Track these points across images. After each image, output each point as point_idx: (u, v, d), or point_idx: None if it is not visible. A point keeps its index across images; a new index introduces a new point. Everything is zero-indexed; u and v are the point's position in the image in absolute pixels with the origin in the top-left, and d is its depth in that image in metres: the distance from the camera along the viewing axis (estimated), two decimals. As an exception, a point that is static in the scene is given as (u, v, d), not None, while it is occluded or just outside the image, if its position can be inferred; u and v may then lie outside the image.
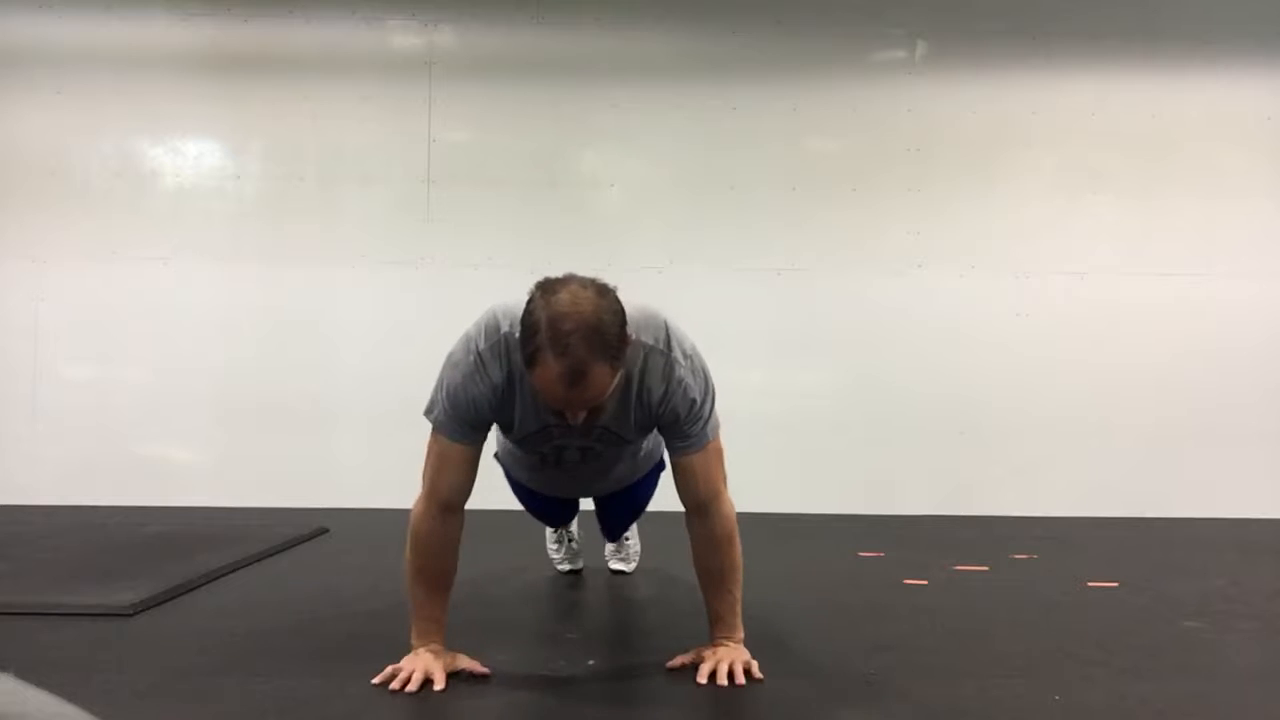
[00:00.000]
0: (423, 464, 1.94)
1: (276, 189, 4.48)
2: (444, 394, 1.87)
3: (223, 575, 2.79)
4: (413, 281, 4.45)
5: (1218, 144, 4.56)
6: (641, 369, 1.81)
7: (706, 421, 1.91)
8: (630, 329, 1.70)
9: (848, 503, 4.37)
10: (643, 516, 3.09)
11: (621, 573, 2.94)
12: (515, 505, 4.09)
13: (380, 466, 4.38)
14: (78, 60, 4.44)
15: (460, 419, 1.87)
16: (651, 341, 1.81)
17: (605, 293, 1.68)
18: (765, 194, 4.49)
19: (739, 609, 1.95)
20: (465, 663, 1.87)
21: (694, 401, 1.86)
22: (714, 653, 1.91)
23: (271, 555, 3.13)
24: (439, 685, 1.79)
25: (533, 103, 4.47)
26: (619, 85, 4.48)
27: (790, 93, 4.51)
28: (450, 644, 1.89)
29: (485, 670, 1.86)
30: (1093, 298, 4.52)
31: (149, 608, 2.36)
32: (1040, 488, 4.46)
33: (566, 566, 2.94)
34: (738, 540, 1.96)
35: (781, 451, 4.42)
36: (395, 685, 1.78)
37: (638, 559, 3.00)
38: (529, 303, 1.69)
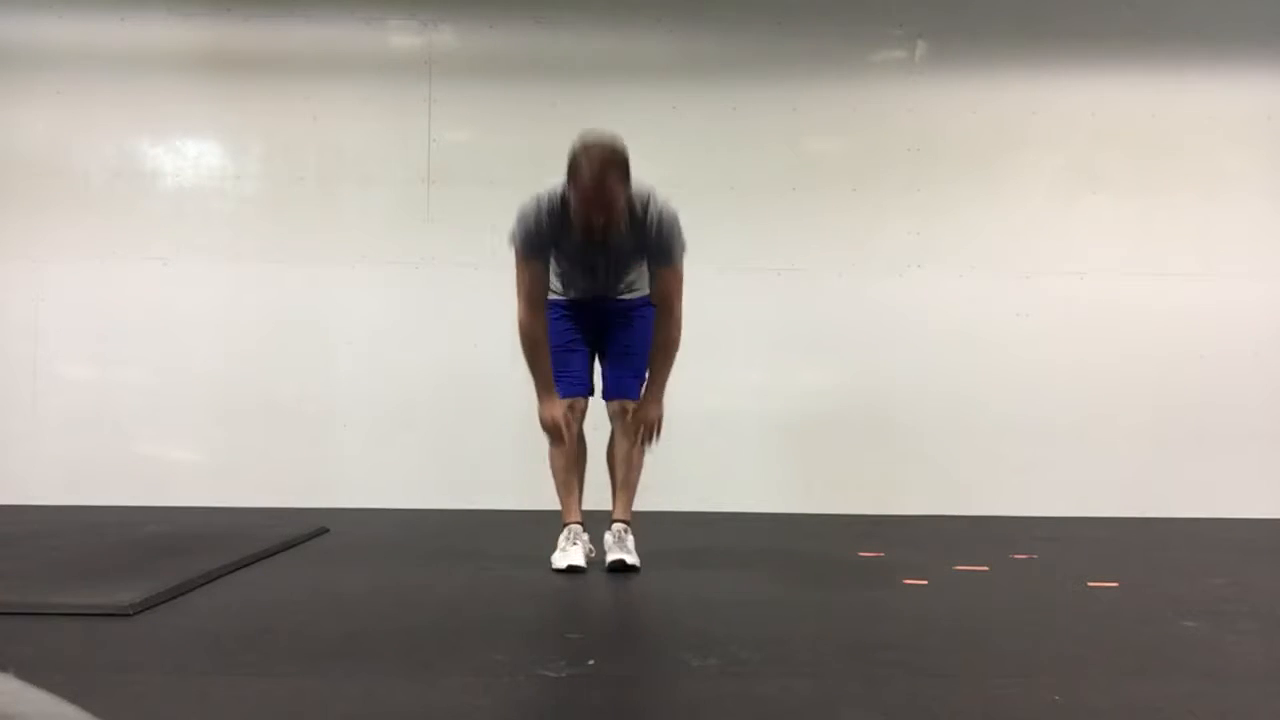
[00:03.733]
0: (515, 288, 2.84)
1: (276, 189, 4.48)
2: (519, 228, 2.79)
3: (223, 575, 2.78)
4: (413, 281, 4.46)
5: (1218, 144, 4.56)
6: (641, 201, 2.79)
7: (677, 249, 2.82)
8: (632, 186, 2.73)
9: (848, 503, 4.37)
10: (641, 517, 3.11)
11: (622, 563, 2.88)
12: (515, 505, 4.11)
13: (380, 466, 4.39)
14: (78, 60, 4.44)
15: (531, 239, 2.78)
16: (644, 191, 2.81)
17: (618, 141, 2.67)
18: (765, 194, 4.49)
19: (666, 382, 2.91)
20: (565, 414, 2.90)
21: (670, 222, 2.79)
22: (640, 417, 2.89)
23: (271, 555, 3.13)
24: (564, 418, 2.88)
25: (533, 103, 4.48)
26: (619, 85, 4.48)
27: (790, 93, 4.51)
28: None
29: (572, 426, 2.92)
30: (1093, 298, 4.52)
31: (149, 608, 2.36)
32: (1040, 488, 4.46)
33: (568, 561, 2.89)
34: (680, 336, 2.89)
35: (782, 451, 4.42)
36: (560, 432, 2.87)
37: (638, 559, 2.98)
38: (572, 146, 2.66)
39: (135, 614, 2.30)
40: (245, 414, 4.41)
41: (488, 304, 4.38)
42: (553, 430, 2.90)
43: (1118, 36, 4.54)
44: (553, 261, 2.96)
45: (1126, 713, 1.70)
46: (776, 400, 4.46)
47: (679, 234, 2.82)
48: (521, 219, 2.79)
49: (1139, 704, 1.74)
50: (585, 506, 3.08)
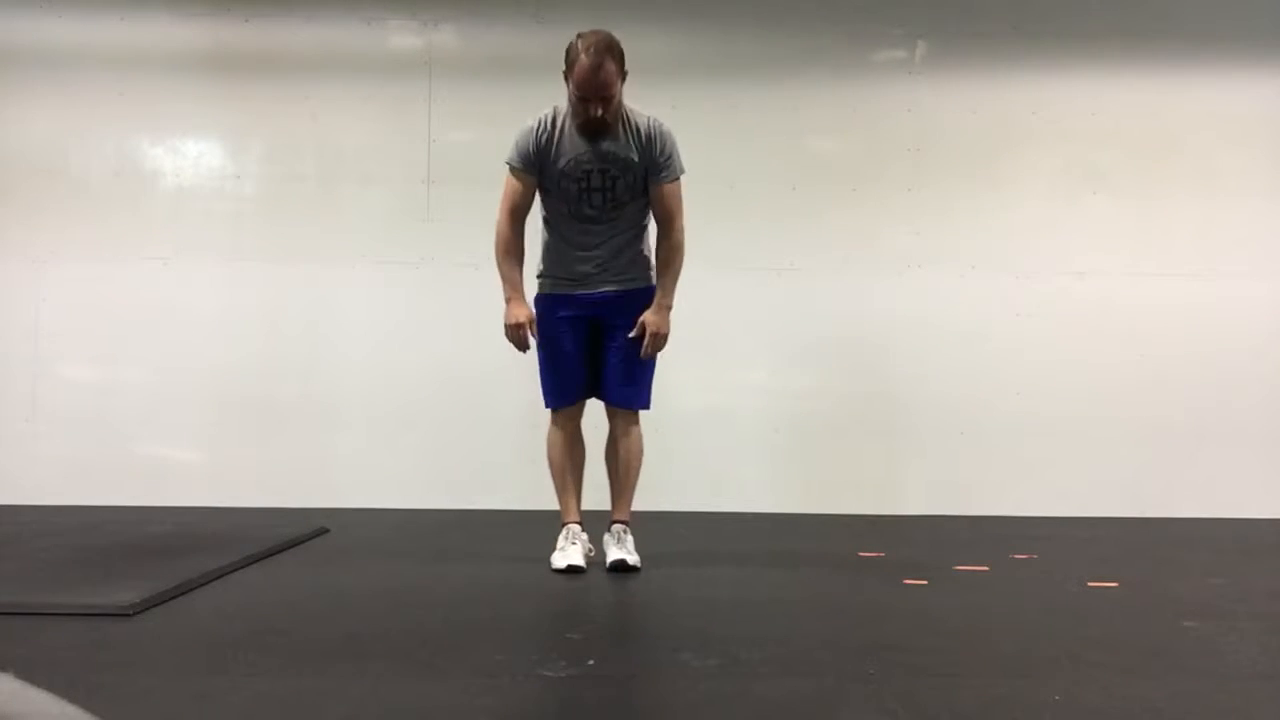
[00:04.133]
0: (500, 201, 3.00)
1: (276, 189, 4.48)
2: (514, 145, 2.94)
3: (223, 575, 2.78)
4: (413, 281, 4.46)
5: (1218, 144, 4.56)
6: (642, 117, 2.92)
7: (677, 163, 2.94)
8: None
9: (848, 503, 4.37)
10: (641, 517, 3.10)
11: (623, 563, 2.88)
12: (515, 504, 4.11)
13: (380, 466, 4.39)
14: (78, 60, 4.44)
15: (525, 153, 2.92)
16: (643, 112, 2.95)
17: (614, 35, 2.80)
18: (765, 194, 4.49)
19: (674, 290, 2.98)
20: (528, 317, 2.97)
21: (670, 137, 2.93)
22: (651, 321, 2.92)
23: (271, 555, 3.13)
24: (528, 322, 2.95)
25: (533, 103, 4.42)
26: (619, 85, 4.48)
27: (790, 92, 4.51)
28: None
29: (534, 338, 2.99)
30: (1093, 298, 4.52)
31: (149, 608, 2.36)
32: (1040, 488, 4.45)
33: (567, 561, 2.89)
34: (684, 249, 2.99)
35: (781, 451, 4.42)
36: (523, 336, 2.96)
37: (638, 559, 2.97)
38: (568, 45, 2.81)
39: (135, 614, 2.30)
40: (245, 414, 4.40)
41: (488, 304, 4.37)
42: (516, 334, 2.98)
43: (1118, 36, 4.54)
44: (552, 226, 3.01)
45: (1126, 713, 1.70)
46: (776, 400, 4.46)
47: (678, 152, 2.95)
48: (518, 135, 2.94)
49: (1139, 704, 1.74)
50: (585, 506, 3.08)
